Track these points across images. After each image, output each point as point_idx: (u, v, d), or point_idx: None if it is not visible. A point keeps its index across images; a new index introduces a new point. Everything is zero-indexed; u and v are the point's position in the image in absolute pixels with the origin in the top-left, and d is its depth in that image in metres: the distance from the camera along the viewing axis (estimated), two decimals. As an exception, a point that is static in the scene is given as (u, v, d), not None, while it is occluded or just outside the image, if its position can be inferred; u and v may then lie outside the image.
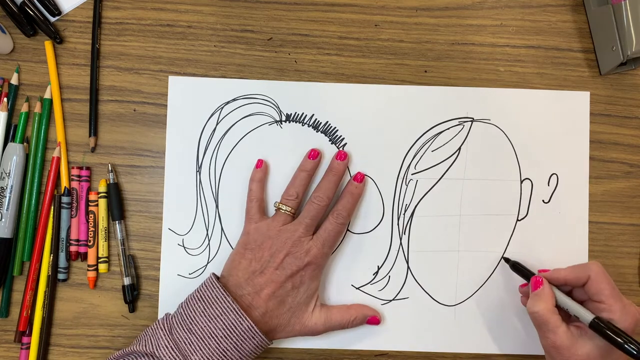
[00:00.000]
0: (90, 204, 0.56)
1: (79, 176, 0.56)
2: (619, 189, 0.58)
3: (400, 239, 0.56)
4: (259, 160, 0.56)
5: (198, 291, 0.51)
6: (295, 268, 0.51)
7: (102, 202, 0.56)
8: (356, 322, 0.54)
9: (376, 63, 0.58)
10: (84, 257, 0.56)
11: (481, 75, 0.58)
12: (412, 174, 0.57)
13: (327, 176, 0.54)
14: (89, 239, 0.56)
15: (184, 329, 0.49)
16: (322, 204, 0.53)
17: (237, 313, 0.48)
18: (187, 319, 0.49)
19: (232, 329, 0.48)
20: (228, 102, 0.57)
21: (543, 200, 0.57)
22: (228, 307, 0.48)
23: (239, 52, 0.57)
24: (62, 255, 0.55)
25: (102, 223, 0.56)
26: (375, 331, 0.56)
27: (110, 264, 0.56)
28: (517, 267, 0.54)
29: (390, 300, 0.56)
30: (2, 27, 0.56)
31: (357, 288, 0.56)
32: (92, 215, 0.56)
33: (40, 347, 0.55)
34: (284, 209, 0.53)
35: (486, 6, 0.58)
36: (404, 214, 0.56)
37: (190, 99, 0.57)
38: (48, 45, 0.56)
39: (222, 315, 0.48)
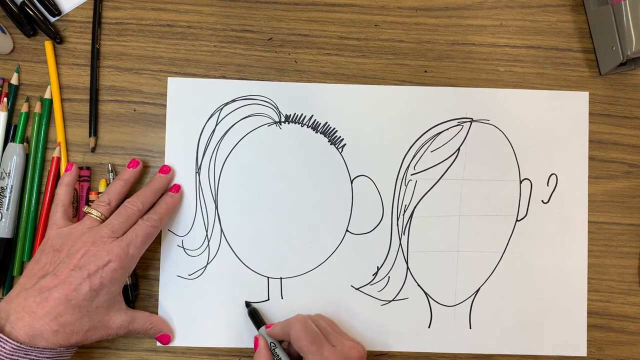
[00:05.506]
0: (90, 204, 0.56)
1: (79, 176, 0.56)
2: (619, 189, 0.58)
3: (400, 239, 0.56)
4: (69, 163, 0.54)
5: None
6: (94, 267, 0.47)
7: (102, 202, 0.56)
8: (152, 332, 0.53)
9: (376, 63, 0.57)
10: (84, 257, 0.56)
11: (481, 76, 0.58)
12: (411, 175, 0.57)
13: (146, 185, 0.54)
14: (89, 239, 0.56)
15: None
16: (135, 208, 0.51)
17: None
18: None
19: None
20: (227, 103, 0.57)
21: (542, 201, 0.57)
22: None
23: (239, 52, 0.57)
24: (62, 255, 0.56)
25: (102, 223, 0.56)
26: (375, 331, 0.56)
27: (110, 264, 0.56)
28: (252, 314, 0.54)
29: (390, 301, 0.56)
30: (2, 27, 0.56)
31: (356, 289, 0.56)
32: (92, 216, 0.56)
33: (40, 347, 0.55)
34: (94, 213, 0.50)
35: (486, 6, 0.58)
36: (403, 215, 0.56)
37: (189, 100, 0.57)
38: (48, 45, 0.56)
39: None
